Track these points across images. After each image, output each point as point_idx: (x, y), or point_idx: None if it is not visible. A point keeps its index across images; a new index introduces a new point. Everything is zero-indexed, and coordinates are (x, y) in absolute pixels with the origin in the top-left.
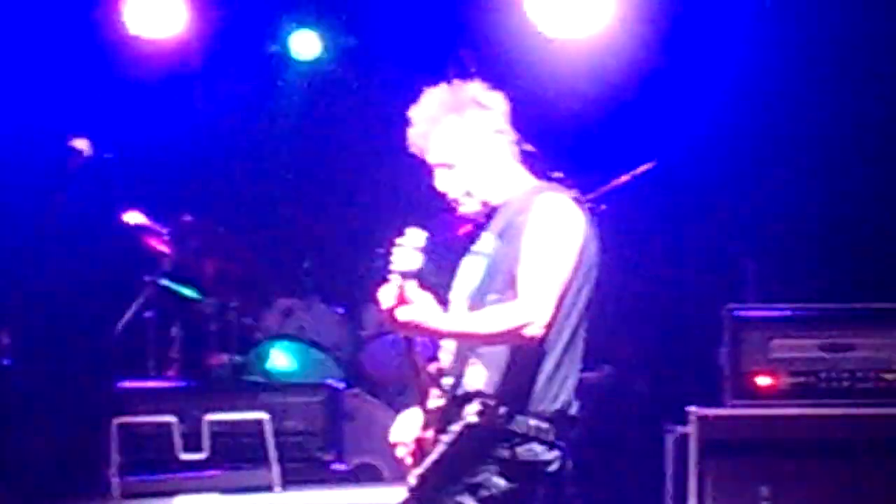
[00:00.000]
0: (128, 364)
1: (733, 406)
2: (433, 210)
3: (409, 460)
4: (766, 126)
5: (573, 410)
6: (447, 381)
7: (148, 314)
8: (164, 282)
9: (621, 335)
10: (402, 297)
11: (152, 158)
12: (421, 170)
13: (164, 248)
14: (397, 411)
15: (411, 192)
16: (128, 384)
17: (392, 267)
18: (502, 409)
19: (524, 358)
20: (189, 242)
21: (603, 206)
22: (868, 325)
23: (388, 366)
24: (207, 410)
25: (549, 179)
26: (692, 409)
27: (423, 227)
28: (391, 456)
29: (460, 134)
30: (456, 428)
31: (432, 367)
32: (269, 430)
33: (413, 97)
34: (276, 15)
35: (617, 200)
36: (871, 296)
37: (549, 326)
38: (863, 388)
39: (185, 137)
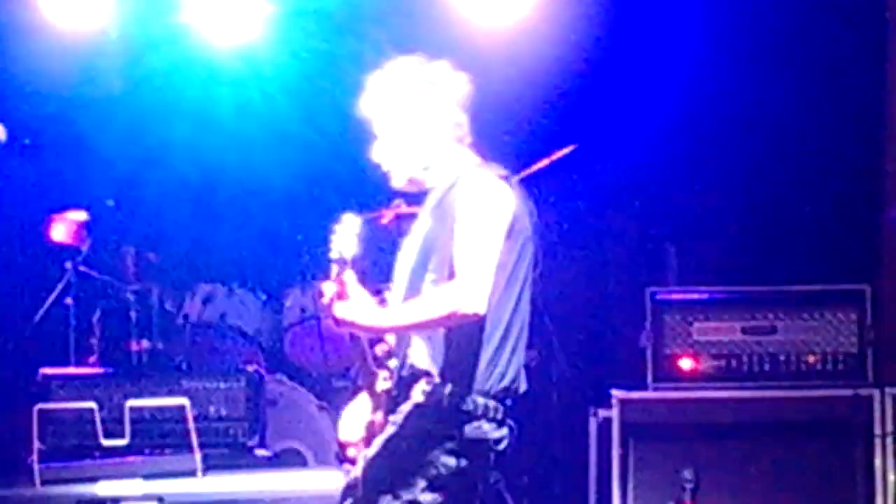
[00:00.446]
0: (48, 351)
1: (656, 389)
2: (355, 199)
3: (359, 460)
4: (688, 111)
5: (521, 388)
6: (393, 363)
7: (68, 301)
8: (84, 268)
9: (545, 319)
10: (342, 292)
11: (74, 143)
12: (342, 158)
13: (80, 238)
14: (318, 396)
15: (333, 181)
16: (48, 371)
17: (330, 254)
18: (448, 388)
19: (467, 336)
20: (110, 228)
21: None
22: (790, 307)
23: (308, 352)
24: (128, 396)
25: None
26: (615, 392)
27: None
28: (314, 440)
29: (411, 109)
30: (405, 408)
31: (379, 349)
32: (190, 415)
33: (333, 79)
34: None
35: (539, 184)
36: (793, 278)
37: (488, 304)
38: (785, 370)
39: (105, 124)
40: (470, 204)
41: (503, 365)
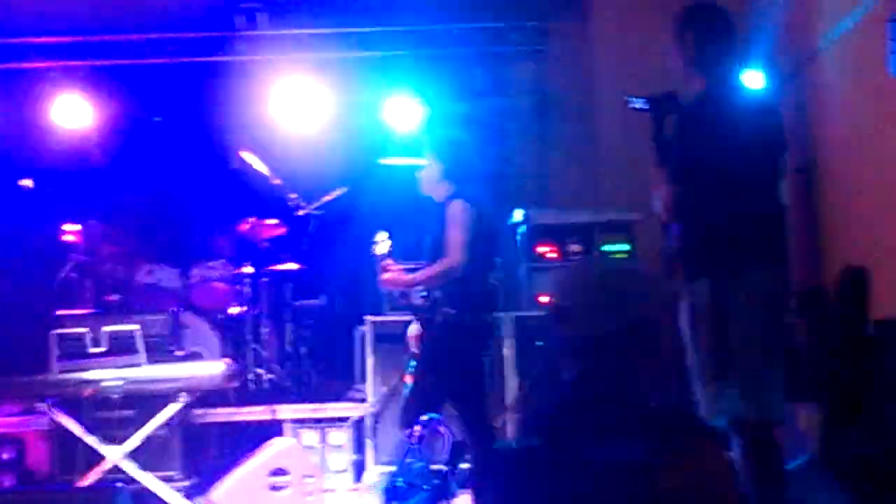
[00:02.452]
0: (62, 301)
1: (391, 314)
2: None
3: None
4: None
5: (496, 303)
6: (422, 294)
7: (73, 275)
8: (81, 257)
9: (331, 275)
10: (385, 268)
11: (74, 187)
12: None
13: (75, 239)
14: (213, 325)
15: (228, 203)
16: (61, 312)
17: (377, 250)
18: (454, 311)
19: (457, 283)
20: (95, 236)
21: (321, 211)
22: None
23: (206, 299)
24: (105, 325)
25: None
26: (368, 317)
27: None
28: (207, 347)
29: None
30: (439, 318)
31: (415, 298)
32: (139, 334)
33: None
34: None
35: (327, 207)
36: None
37: (464, 267)
38: None
39: (93, 176)
40: (454, 218)
41: (479, 294)
